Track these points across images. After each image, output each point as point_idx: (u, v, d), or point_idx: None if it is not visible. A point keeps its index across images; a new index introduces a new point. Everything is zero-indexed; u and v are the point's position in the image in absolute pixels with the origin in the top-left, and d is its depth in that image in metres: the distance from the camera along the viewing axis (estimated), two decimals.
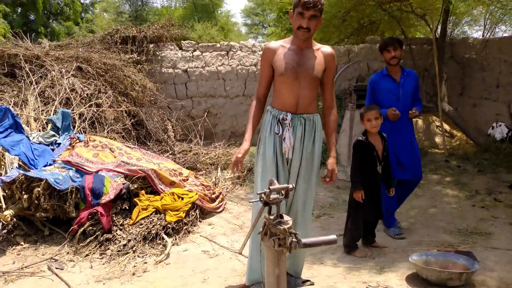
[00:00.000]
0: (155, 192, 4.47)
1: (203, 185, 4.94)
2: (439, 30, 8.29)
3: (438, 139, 7.68)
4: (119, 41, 7.23)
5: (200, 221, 4.44)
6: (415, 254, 3.24)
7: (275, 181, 1.82)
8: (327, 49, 2.76)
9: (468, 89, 8.28)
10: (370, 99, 3.98)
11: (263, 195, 1.77)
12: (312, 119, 2.76)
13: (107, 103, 5.79)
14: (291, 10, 2.62)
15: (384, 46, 3.82)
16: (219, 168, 6.06)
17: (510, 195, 5.11)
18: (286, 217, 1.84)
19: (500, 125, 6.19)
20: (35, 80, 5.60)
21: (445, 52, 8.37)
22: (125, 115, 6.06)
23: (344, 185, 5.55)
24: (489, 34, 18.56)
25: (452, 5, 8.42)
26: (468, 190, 5.33)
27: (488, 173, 5.99)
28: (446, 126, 7.96)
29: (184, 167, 5.39)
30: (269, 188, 1.78)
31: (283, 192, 1.81)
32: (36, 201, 3.86)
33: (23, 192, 3.88)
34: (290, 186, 1.81)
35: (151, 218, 4.09)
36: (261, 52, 7.96)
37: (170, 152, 6.19)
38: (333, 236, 1.85)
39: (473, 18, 16.42)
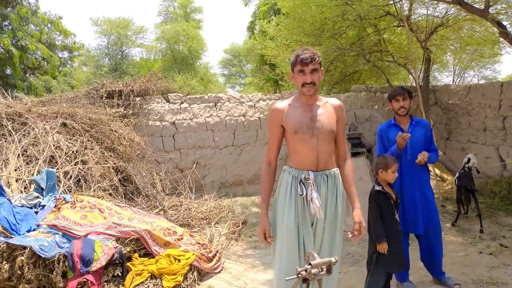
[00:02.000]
0: (149, 254, 4.16)
1: (199, 243, 4.65)
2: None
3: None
4: (105, 95, 7.08)
5: (198, 284, 4.12)
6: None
7: (315, 254, 1.62)
8: (335, 101, 2.71)
9: (455, 134, 8.41)
10: (380, 149, 3.85)
11: (303, 272, 1.56)
12: (333, 174, 2.63)
13: (94, 159, 5.53)
14: (291, 72, 2.63)
15: (394, 95, 3.74)
16: (213, 223, 5.78)
17: None
18: None
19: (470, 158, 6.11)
20: (17, 138, 5.33)
21: (429, 99, 8.55)
22: (112, 171, 5.79)
23: (345, 236, 5.32)
24: (458, 79, 19.42)
25: (432, 54, 8.74)
26: (471, 236, 5.19)
27: (487, 217, 5.90)
28: (436, 171, 7.97)
29: (177, 225, 5.10)
30: (309, 264, 1.57)
31: (324, 267, 1.61)
32: (19, 271, 3.50)
33: (4, 262, 3.52)
34: (333, 259, 1.61)
35: (146, 284, 3.78)
36: (249, 103, 7.95)
37: (160, 208, 5.88)
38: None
39: (443, 65, 17.24)
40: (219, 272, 4.45)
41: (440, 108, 8.67)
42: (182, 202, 6.16)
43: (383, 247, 3.33)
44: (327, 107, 2.66)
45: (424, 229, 3.80)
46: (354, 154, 5.83)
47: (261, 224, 2.58)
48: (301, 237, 2.57)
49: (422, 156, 3.66)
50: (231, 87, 34.98)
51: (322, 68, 2.59)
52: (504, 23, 6.45)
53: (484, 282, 3.86)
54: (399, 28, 8.56)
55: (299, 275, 1.61)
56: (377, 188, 3.46)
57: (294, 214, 2.55)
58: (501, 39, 6.68)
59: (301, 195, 2.54)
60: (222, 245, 5.20)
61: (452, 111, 8.31)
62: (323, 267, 1.64)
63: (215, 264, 4.50)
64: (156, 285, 3.76)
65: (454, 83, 17.20)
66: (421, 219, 3.77)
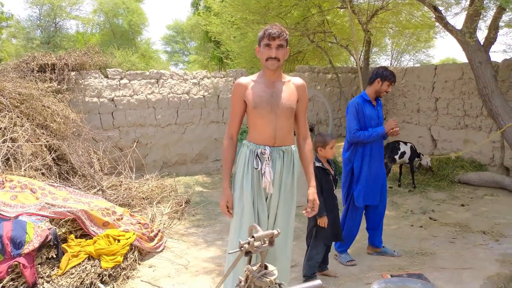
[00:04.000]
0: (86, 235, 3.97)
1: (139, 223, 4.52)
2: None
3: None
4: (36, 69, 6.56)
5: (139, 264, 4.02)
6: (376, 283, 3.17)
7: (258, 227, 1.60)
8: (298, 80, 2.71)
9: (391, 114, 8.80)
10: (356, 122, 3.84)
11: (246, 245, 1.54)
12: (290, 151, 2.66)
13: (24, 137, 5.14)
14: (257, 46, 2.60)
15: (391, 80, 3.80)
16: (154, 203, 5.64)
17: (443, 213, 5.39)
18: (270, 267, 1.63)
19: (423, 155, 6.73)
20: None
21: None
22: (45, 149, 5.43)
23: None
24: (395, 62, 20.29)
25: (373, 36, 9.01)
26: (403, 211, 5.52)
27: (418, 192, 6.30)
28: None
29: (117, 205, 4.92)
30: (252, 236, 1.56)
31: (266, 239, 1.60)
32: None
33: None
34: (275, 232, 1.61)
35: (83, 265, 3.60)
36: (193, 80, 7.77)
37: (98, 188, 5.63)
38: (318, 281, 1.66)
39: (381, 48, 17.92)
40: (161, 251, 4.37)
41: None
42: (122, 182, 5.93)
43: (323, 221, 3.45)
44: (289, 85, 2.66)
45: (381, 199, 4.02)
46: None
47: (223, 196, 2.62)
48: (256, 211, 2.61)
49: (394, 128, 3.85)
50: (174, 64, 34.10)
51: (288, 47, 2.58)
52: (440, 8, 6.79)
53: (415, 253, 4.13)
54: (342, 10, 8.71)
55: (242, 248, 1.59)
56: (318, 164, 3.54)
57: (251, 188, 2.57)
58: (437, 23, 7.00)
59: (256, 168, 2.57)
60: (164, 224, 5.10)
61: (389, 93, 8.67)
62: (265, 239, 1.63)
63: (157, 243, 4.41)
64: (94, 266, 3.61)
65: (391, 66, 17.95)
66: (380, 190, 3.98)
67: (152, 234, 4.46)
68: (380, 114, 4.00)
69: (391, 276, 3.55)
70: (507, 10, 5.73)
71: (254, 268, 1.60)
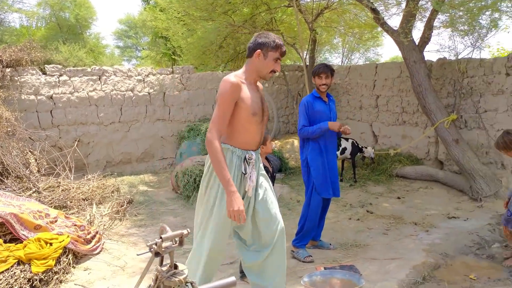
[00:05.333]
0: (17, 239, 3.80)
1: (75, 225, 4.38)
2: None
3: None
4: None
5: (74, 267, 3.90)
6: (306, 276, 3.27)
7: (167, 227, 1.61)
8: (259, 84, 2.76)
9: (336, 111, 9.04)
10: (305, 119, 3.97)
11: (154, 245, 1.55)
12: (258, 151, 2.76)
13: None
14: (260, 51, 2.57)
15: (317, 73, 3.94)
16: (95, 204, 5.49)
17: (380, 206, 5.63)
18: (181, 266, 1.64)
19: (366, 147, 6.99)
20: None
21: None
22: None
23: None
24: (346, 60, 20.86)
25: (318, 35, 9.21)
26: (343, 204, 5.71)
27: (359, 186, 6.53)
28: None
29: (51, 207, 4.74)
30: (160, 237, 1.56)
31: (177, 239, 1.61)
32: None
33: None
34: (185, 232, 1.63)
35: (12, 271, 3.45)
36: (138, 77, 7.61)
37: (34, 190, 5.40)
38: (232, 278, 1.69)
39: (333, 46, 18.35)
40: (98, 253, 4.26)
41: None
42: (59, 182, 5.72)
43: None
44: (260, 89, 2.74)
45: (338, 192, 4.20)
46: None
47: (237, 200, 2.41)
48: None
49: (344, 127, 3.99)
50: (127, 60, 33.10)
51: None
52: (381, 8, 7.06)
53: (349, 245, 4.29)
54: (289, 8, 8.83)
55: (152, 249, 1.59)
56: None
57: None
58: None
59: (244, 174, 2.58)
60: (104, 225, 4.98)
61: (334, 90, 8.92)
62: (176, 239, 1.65)
63: (94, 245, 4.29)
64: (23, 271, 3.47)
65: (342, 64, 18.42)
66: (336, 183, 4.14)
67: (89, 236, 4.34)
68: (333, 109, 4.14)
69: (325, 268, 3.66)
70: (439, 12, 6.05)
71: (164, 268, 1.61)
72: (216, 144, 2.44)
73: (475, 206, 5.40)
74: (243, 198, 2.59)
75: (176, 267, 1.62)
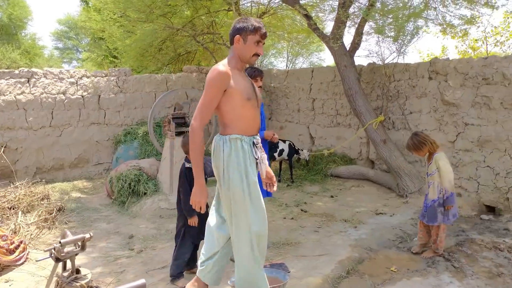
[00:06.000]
0: None
1: None
2: None
3: None
4: None
5: None
6: (233, 276, 3.32)
7: (68, 232, 1.59)
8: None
9: (275, 114, 9.24)
10: None
11: (53, 251, 1.52)
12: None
13: None
14: (239, 36, 2.58)
15: (254, 76, 3.97)
16: (20, 212, 5.21)
17: (314, 205, 5.81)
18: (84, 271, 1.63)
19: (302, 150, 7.21)
20: None
21: None
22: None
23: (167, 214, 5.44)
24: (291, 64, 21.32)
25: None
26: (279, 204, 5.84)
27: (295, 187, 6.71)
28: None
29: None
30: (60, 242, 1.54)
31: (79, 243, 1.59)
32: None
33: None
34: (87, 235, 1.61)
35: None
36: (71, 79, 7.34)
37: None
38: (142, 281, 1.70)
39: (278, 51, 18.69)
40: (22, 263, 4.06)
41: (264, 90, 9.40)
42: None
43: (194, 221, 3.50)
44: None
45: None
46: (178, 134, 5.92)
47: (203, 193, 2.57)
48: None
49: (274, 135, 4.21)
50: (67, 62, 31.64)
51: None
52: (319, 14, 7.33)
53: (281, 244, 4.39)
54: (229, 12, 8.90)
55: (52, 255, 1.56)
56: (187, 165, 3.60)
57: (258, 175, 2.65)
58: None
59: (257, 158, 2.61)
60: (31, 235, 4.74)
61: (274, 94, 9.11)
62: (78, 243, 1.63)
63: (18, 256, 4.07)
64: None
65: (287, 68, 18.80)
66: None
67: (12, 246, 4.11)
68: (262, 112, 4.20)
69: None
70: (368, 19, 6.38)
71: (65, 273, 1.59)
72: (200, 133, 2.51)
73: (401, 202, 5.74)
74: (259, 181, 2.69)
75: (78, 271, 1.61)
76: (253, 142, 2.65)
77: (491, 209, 5.44)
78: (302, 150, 7.19)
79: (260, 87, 4.08)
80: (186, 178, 3.58)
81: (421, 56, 13.25)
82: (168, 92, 7.04)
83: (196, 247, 3.75)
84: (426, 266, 3.82)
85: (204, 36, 9.28)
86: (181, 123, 6.09)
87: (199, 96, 7.81)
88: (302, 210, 5.58)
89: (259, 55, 2.66)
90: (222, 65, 2.55)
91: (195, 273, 3.73)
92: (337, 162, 7.23)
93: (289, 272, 3.61)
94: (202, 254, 2.89)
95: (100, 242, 4.68)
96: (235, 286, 2.89)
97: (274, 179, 2.86)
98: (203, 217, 3.64)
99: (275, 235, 4.67)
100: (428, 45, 28.85)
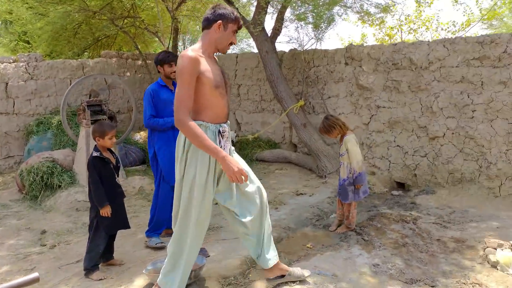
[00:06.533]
0: None
1: None
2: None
3: None
4: None
5: None
6: (149, 264, 3.27)
7: None
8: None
9: None
10: (152, 108, 3.89)
11: None
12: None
13: None
14: (220, 22, 2.55)
15: (168, 61, 3.86)
16: None
17: None
18: None
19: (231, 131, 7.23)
20: None
21: None
22: None
23: (85, 207, 5.19)
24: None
25: (180, 24, 9.14)
26: None
27: None
28: None
29: None
30: None
31: None
32: None
33: None
34: None
35: None
36: None
37: None
38: (35, 274, 1.59)
39: None
40: None
41: None
42: None
43: (106, 211, 3.38)
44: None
45: None
46: (94, 122, 5.64)
47: (235, 163, 2.48)
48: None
49: None
50: None
51: None
52: None
53: None
54: None
55: None
56: (95, 154, 3.47)
57: (208, 167, 2.55)
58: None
59: (221, 147, 2.55)
60: None
61: None
62: None
63: None
64: None
65: (215, 55, 18.57)
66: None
67: None
68: None
69: None
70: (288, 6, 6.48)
71: None
72: (189, 122, 2.42)
73: (320, 183, 5.98)
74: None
75: None
76: (219, 131, 2.60)
77: (401, 185, 5.87)
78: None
79: (175, 72, 3.99)
80: (95, 168, 3.44)
81: (343, 43, 13.79)
82: (82, 78, 6.64)
83: (112, 238, 3.64)
84: (339, 240, 4.03)
85: (125, 20, 8.90)
86: (97, 110, 5.81)
87: (118, 83, 7.52)
88: None
89: (233, 44, 2.68)
90: (192, 50, 2.48)
91: (112, 264, 3.63)
92: (262, 146, 7.34)
93: (208, 256, 3.63)
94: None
95: (8, 239, 4.37)
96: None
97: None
98: (117, 207, 3.53)
99: None
100: (349, 32, 30.17)
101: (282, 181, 6.21)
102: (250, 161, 7.15)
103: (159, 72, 4.03)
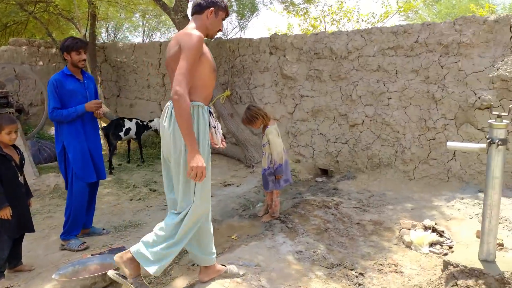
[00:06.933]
0: None
1: None
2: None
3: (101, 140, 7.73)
4: None
5: None
6: (60, 268, 3.03)
7: None
8: None
9: (124, 91, 8.73)
10: (56, 100, 3.60)
11: None
12: None
13: None
14: (214, 8, 2.59)
15: (76, 48, 3.60)
16: None
17: (163, 183, 5.67)
18: None
19: (153, 119, 6.95)
20: None
21: (98, 56, 8.48)
22: None
23: None
24: (148, 39, 20.45)
25: (98, 10, 8.60)
26: (126, 186, 5.57)
27: (146, 166, 6.48)
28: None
29: None
30: None
31: None
32: None
33: None
34: None
35: None
36: None
37: None
38: None
39: (133, 25, 17.67)
40: None
41: (110, 65, 8.78)
42: None
43: (5, 213, 3.08)
44: None
45: (104, 175, 3.99)
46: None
47: (201, 159, 2.38)
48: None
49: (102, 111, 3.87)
50: None
51: None
52: None
53: (124, 227, 4.18)
54: None
55: None
56: None
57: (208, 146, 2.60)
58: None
59: (214, 127, 2.67)
60: None
61: (121, 69, 8.56)
62: None
63: None
64: None
65: (143, 42, 17.89)
66: (97, 167, 3.88)
67: None
68: (90, 87, 3.84)
69: (92, 255, 3.48)
70: None
71: None
72: (187, 99, 2.34)
73: (248, 172, 5.98)
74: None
75: None
76: (210, 112, 2.67)
77: (324, 172, 6.05)
78: (153, 120, 6.91)
79: (84, 60, 3.71)
80: None
81: (270, 33, 13.92)
82: None
83: (18, 242, 3.33)
84: (264, 229, 4.03)
85: (36, 5, 8.18)
86: (3, 103, 5.29)
87: (27, 73, 6.91)
88: (151, 189, 5.41)
89: (220, 31, 2.73)
90: (197, 30, 2.50)
91: (20, 270, 3.32)
92: None
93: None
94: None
95: None
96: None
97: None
98: (19, 208, 3.23)
99: (119, 219, 4.45)
100: (276, 22, 30.62)
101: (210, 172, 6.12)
102: None
103: (65, 60, 3.72)
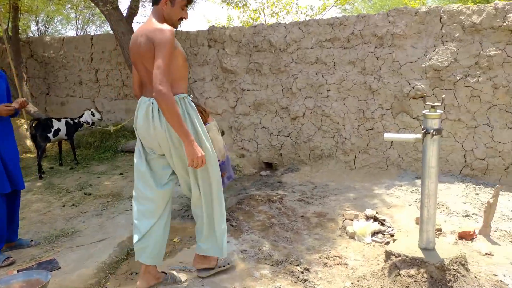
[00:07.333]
0: None
1: None
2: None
3: (29, 143, 7.16)
4: None
5: None
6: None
7: None
8: None
9: (54, 88, 8.15)
10: None
11: None
12: None
13: None
14: (169, 0, 2.53)
15: None
16: None
17: (101, 185, 5.35)
18: None
19: (83, 113, 6.41)
20: None
21: (23, 51, 7.83)
22: None
23: None
24: (82, 33, 19.37)
25: (21, 1, 7.93)
26: (58, 191, 5.17)
27: (81, 168, 6.08)
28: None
29: None
30: None
31: None
32: None
33: None
34: None
35: None
36: None
37: None
38: None
39: (65, 18, 16.59)
40: None
41: (36, 61, 8.14)
42: None
43: None
44: None
45: (22, 184, 3.58)
46: None
47: (199, 149, 2.48)
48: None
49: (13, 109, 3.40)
50: None
51: None
52: None
53: (55, 236, 3.86)
54: None
55: None
56: None
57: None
58: None
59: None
60: None
61: (49, 65, 7.97)
62: None
63: None
64: None
65: (76, 35, 16.89)
66: (19, 173, 3.50)
67: None
68: (2, 86, 3.43)
69: (18, 271, 3.16)
70: None
71: None
72: (172, 96, 2.34)
73: None
74: None
75: None
76: (193, 101, 2.72)
77: (269, 165, 6.01)
78: (83, 115, 6.33)
79: None
80: None
81: (210, 25, 13.66)
82: None
83: None
84: None
85: None
86: None
87: None
88: (85, 193, 5.06)
89: (184, 19, 2.64)
90: (167, 25, 2.47)
91: None
92: (127, 136, 6.84)
93: (58, 268, 3.18)
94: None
95: None
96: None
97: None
98: None
99: (49, 228, 4.09)
100: (216, 15, 30.32)
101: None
102: (114, 153, 6.62)
103: None
